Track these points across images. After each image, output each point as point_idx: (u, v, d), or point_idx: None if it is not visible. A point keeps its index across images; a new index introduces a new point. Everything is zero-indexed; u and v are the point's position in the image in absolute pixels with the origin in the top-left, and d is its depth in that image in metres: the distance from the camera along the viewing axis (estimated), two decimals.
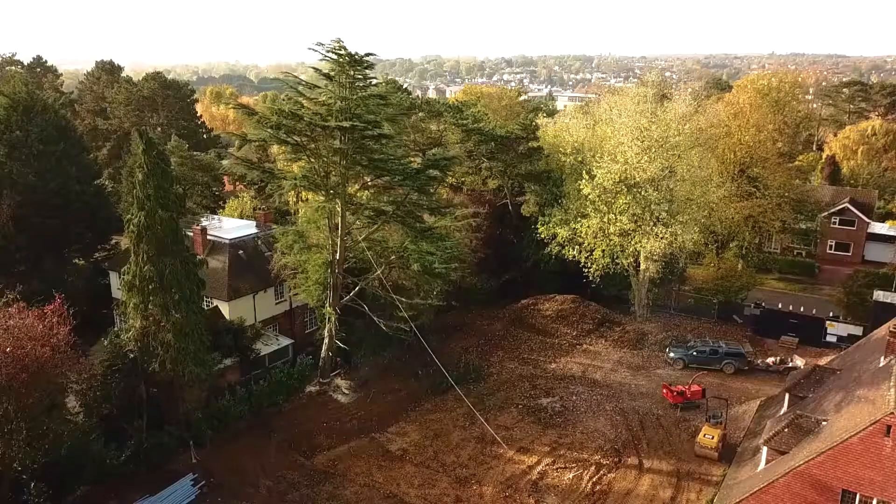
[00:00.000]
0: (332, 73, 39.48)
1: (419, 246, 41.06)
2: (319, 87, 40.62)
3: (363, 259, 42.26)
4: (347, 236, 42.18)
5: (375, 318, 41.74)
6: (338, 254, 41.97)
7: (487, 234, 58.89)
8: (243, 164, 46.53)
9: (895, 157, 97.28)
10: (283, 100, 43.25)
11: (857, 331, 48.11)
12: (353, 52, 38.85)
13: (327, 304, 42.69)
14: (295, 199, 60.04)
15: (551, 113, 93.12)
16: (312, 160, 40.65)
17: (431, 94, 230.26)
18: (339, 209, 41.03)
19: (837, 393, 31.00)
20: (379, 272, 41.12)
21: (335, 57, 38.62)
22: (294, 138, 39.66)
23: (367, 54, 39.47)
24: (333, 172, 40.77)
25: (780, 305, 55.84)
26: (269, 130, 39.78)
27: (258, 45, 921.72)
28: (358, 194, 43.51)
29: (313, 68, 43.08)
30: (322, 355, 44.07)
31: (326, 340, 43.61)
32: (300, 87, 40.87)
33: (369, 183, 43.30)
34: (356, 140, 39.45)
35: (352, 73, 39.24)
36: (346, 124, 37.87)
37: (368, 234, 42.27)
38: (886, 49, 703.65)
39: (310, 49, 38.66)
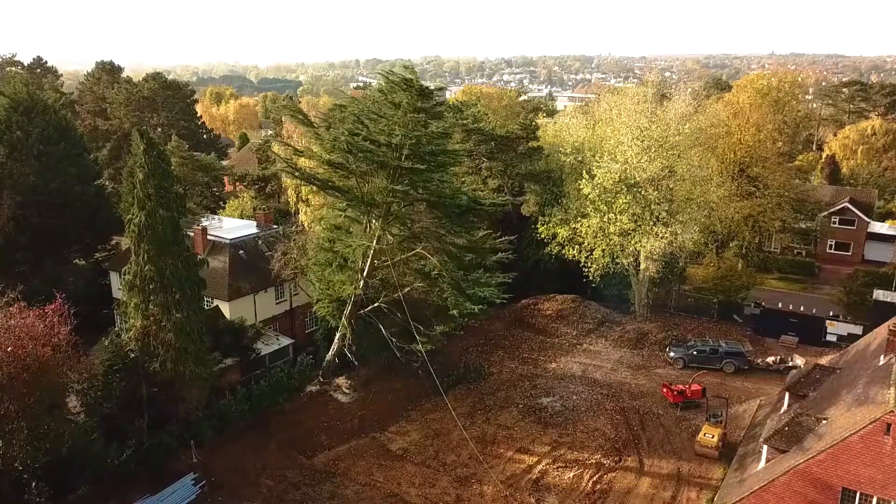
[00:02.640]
0: (400, 103, 36.99)
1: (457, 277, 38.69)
2: (385, 118, 37.51)
3: (387, 278, 40.41)
4: (378, 257, 40.07)
5: (390, 340, 40.18)
6: (366, 271, 40.35)
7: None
8: (291, 171, 42.10)
9: (895, 157, 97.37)
10: (344, 121, 38.77)
11: (857, 330, 48.12)
12: (424, 86, 36.92)
13: (343, 318, 41.59)
14: (295, 200, 60.04)
15: (551, 113, 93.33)
16: (360, 182, 38.18)
17: None
18: (377, 231, 39.06)
19: (837, 392, 31.04)
20: (401, 293, 39.14)
21: (404, 87, 36.46)
22: (356, 164, 37.42)
23: (439, 88, 38.11)
24: (380, 197, 38.37)
25: (780, 305, 55.87)
26: (338, 152, 36.93)
27: (258, 45, 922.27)
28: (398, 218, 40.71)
29: (380, 91, 39.35)
30: (327, 357, 43.98)
31: (335, 347, 43.32)
32: (366, 117, 37.91)
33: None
34: (414, 173, 37.67)
35: (421, 105, 37.06)
36: (407, 164, 36.22)
37: (402, 257, 39.99)
38: (886, 49, 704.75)
39: (379, 73, 37.10)
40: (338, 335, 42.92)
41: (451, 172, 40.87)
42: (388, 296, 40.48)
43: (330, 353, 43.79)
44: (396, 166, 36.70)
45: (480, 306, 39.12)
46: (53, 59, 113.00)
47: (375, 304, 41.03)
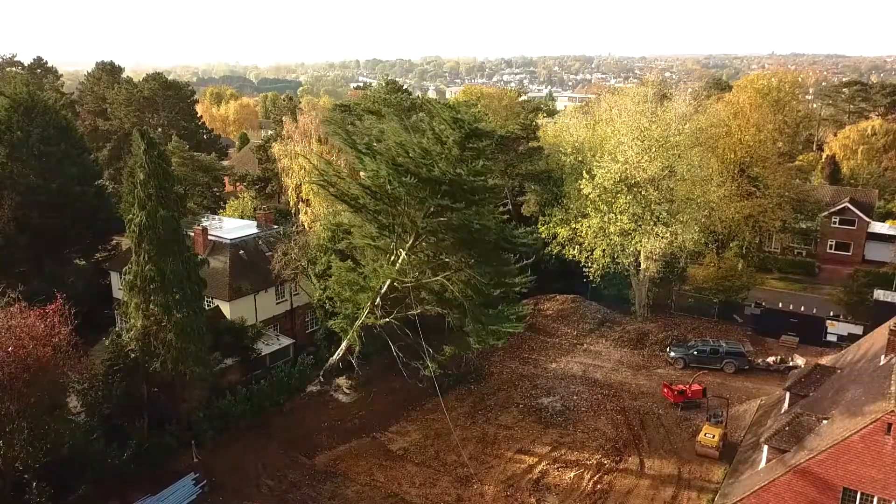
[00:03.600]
0: (447, 140, 35.46)
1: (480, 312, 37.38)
2: (430, 158, 35.57)
3: (403, 297, 39.39)
4: (399, 279, 39.08)
5: (397, 355, 39.46)
6: (384, 289, 39.56)
7: None
8: (325, 185, 39.34)
9: (895, 157, 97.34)
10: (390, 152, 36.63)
11: (858, 330, 48.10)
12: (475, 126, 35.53)
13: (353, 330, 40.73)
14: (295, 200, 60.06)
15: (551, 113, 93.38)
16: (393, 211, 36.84)
17: (431, 95, 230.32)
18: (402, 257, 38.09)
19: (838, 392, 31.06)
20: (416, 313, 38.36)
21: (454, 126, 35.24)
22: (392, 191, 35.88)
23: (491, 133, 36.01)
24: (410, 228, 37.25)
25: (780, 305, 55.85)
26: (378, 180, 35.40)
27: (258, 45, 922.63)
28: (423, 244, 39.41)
29: (432, 129, 37.07)
30: (331, 360, 43.83)
31: (340, 353, 43.04)
32: (411, 149, 36.08)
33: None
34: (450, 210, 36.14)
35: (470, 144, 35.78)
36: (445, 202, 34.80)
37: (424, 281, 39.04)
38: (886, 49, 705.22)
39: (429, 104, 35.51)
40: (344, 344, 42.50)
41: (487, 210, 38.91)
42: (402, 313, 39.50)
43: (335, 356, 43.51)
44: (432, 201, 35.35)
45: (502, 340, 38.52)
46: (53, 59, 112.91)
47: (387, 320, 40.04)
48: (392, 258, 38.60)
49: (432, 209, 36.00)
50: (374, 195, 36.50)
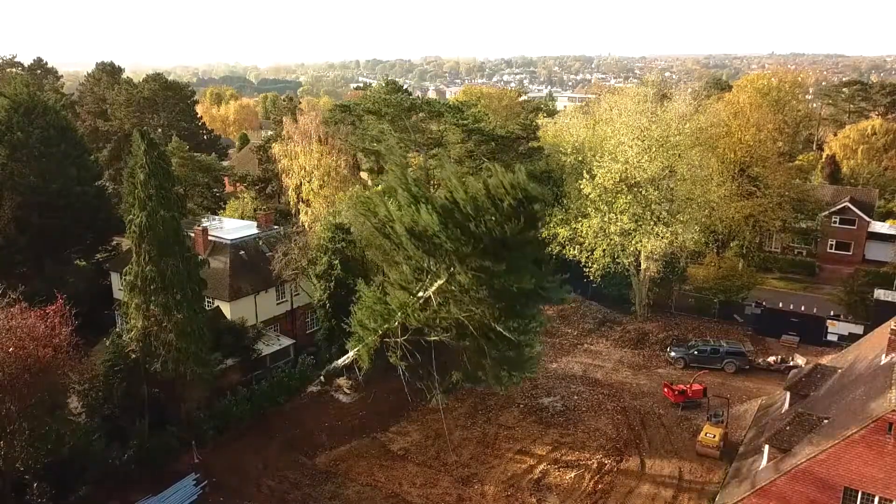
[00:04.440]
0: (502, 204, 32.70)
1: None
2: (481, 215, 32.87)
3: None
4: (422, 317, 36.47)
5: (403, 374, 37.43)
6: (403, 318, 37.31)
7: None
8: (368, 216, 36.81)
9: (895, 157, 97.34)
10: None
11: (858, 329, 48.08)
12: (533, 195, 32.99)
13: (365, 352, 38.96)
14: (296, 200, 60.08)
15: (551, 113, 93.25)
16: (428, 254, 34.56)
17: (431, 95, 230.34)
18: (429, 294, 35.89)
19: (839, 391, 31.04)
20: (430, 338, 36.24)
21: (511, 195, 32.34)
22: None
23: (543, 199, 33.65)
24: (444, 276, 34.88)
25: (780, 304, 55.84)
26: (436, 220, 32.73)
27: (258, 46, 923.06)
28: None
29: (486, 188, 33.39)
30: (335, 364, 43.64)
31: (347, 361, 42.48)
32: (466, 206, 33.24)
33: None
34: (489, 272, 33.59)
35: (525, 210, 32.99)
36: (486, 263, 32.62)
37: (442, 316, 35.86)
38: (886, 49, 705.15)
39: (489, 167, 32.72)
40: (352, 353, 41.97)
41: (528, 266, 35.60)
42: (415, 337, 37.55)
43: (339, 361, 43.12)
44: (475, 260, 32.84)
45: (518, 382, 37.31)
46: (53, 60, 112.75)
47: (400, 342, 37.88)
48: (419, 295, 36.46)
49: (473, 265, 33.62)
50: (418, 239, 34.17)
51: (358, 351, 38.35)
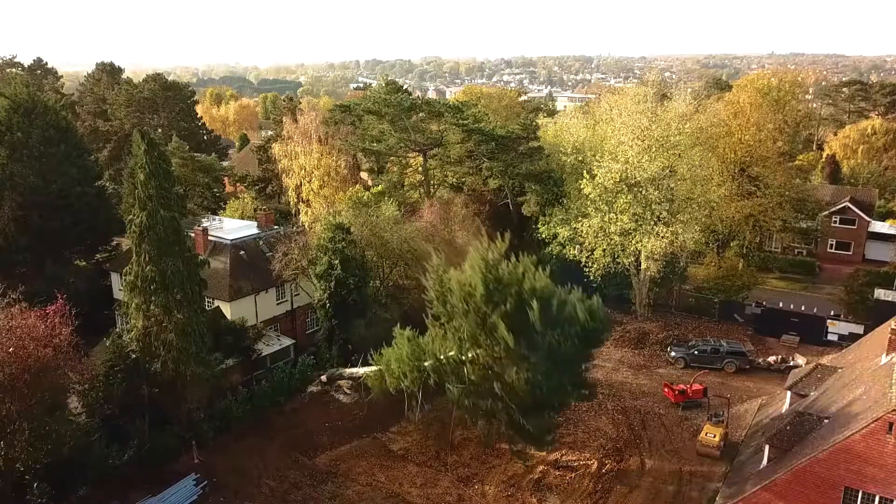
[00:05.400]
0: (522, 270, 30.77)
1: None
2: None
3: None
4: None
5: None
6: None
7: (488, 233, 58.77)
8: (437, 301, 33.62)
9: (895, 156, 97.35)
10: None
11: (858, 329, 48.07)
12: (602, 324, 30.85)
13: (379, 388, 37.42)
14: (296, 200, 60.12)
15: (551, 113, 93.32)
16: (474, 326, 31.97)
17: (431, 95, 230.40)
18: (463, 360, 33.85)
19: (839, 391, 31.04)
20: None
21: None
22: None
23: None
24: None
25: (780, 304, 55.83)
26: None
27: (258, 46, 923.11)
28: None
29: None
30: (340, 372, 43.43)
31: (353, 372, 42.00)
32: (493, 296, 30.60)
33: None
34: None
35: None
36: (539, 378, 29.93)
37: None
38: (886, 49, 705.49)
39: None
40: (365, 369, 41.40)
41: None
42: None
43: (347, 372, 42.62)
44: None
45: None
46: (53, 60, 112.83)
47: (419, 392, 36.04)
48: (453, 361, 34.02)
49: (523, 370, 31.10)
50: (484, 333, 31.51)
51: (373, 381, 37.11)
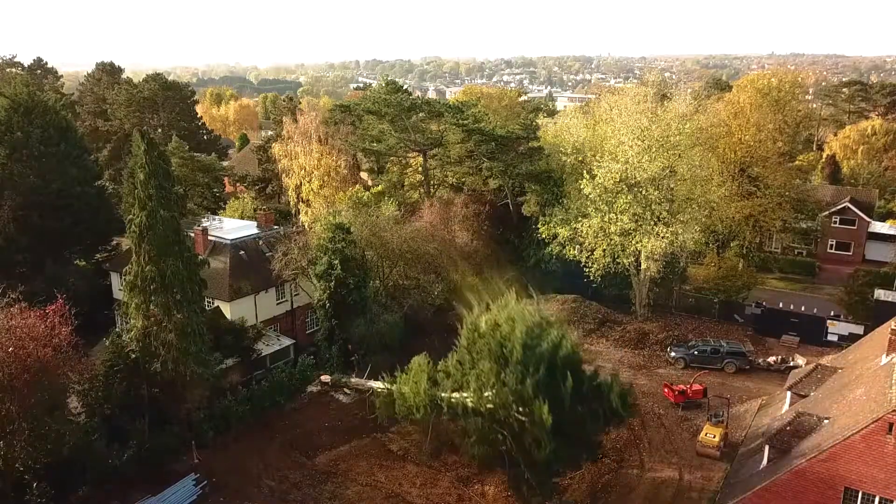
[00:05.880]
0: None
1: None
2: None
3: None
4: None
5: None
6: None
7: (488, 233, 58.93)
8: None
9: (895, 157, 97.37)
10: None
11: (859, 330, 48.05)
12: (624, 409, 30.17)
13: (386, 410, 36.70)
14: (296, 200, 60.13)
15: (551, 113, 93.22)
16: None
17: (431, 95, 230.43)
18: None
19: (839, 391, 31.02)
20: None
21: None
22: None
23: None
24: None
25: (780, 305, 55.83)
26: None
27: (258, 46, 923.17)
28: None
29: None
30: (344, 379, 43.29)
31: (359, 383, 42.04)
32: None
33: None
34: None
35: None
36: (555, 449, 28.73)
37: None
38: (886, 49, 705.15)
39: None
40: (364, 378, 41.38)
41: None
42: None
43: (353, 381, 42.44)
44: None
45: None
46: (53, 60, 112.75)
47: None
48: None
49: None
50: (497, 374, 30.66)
51: (382, 402, 36.27)
